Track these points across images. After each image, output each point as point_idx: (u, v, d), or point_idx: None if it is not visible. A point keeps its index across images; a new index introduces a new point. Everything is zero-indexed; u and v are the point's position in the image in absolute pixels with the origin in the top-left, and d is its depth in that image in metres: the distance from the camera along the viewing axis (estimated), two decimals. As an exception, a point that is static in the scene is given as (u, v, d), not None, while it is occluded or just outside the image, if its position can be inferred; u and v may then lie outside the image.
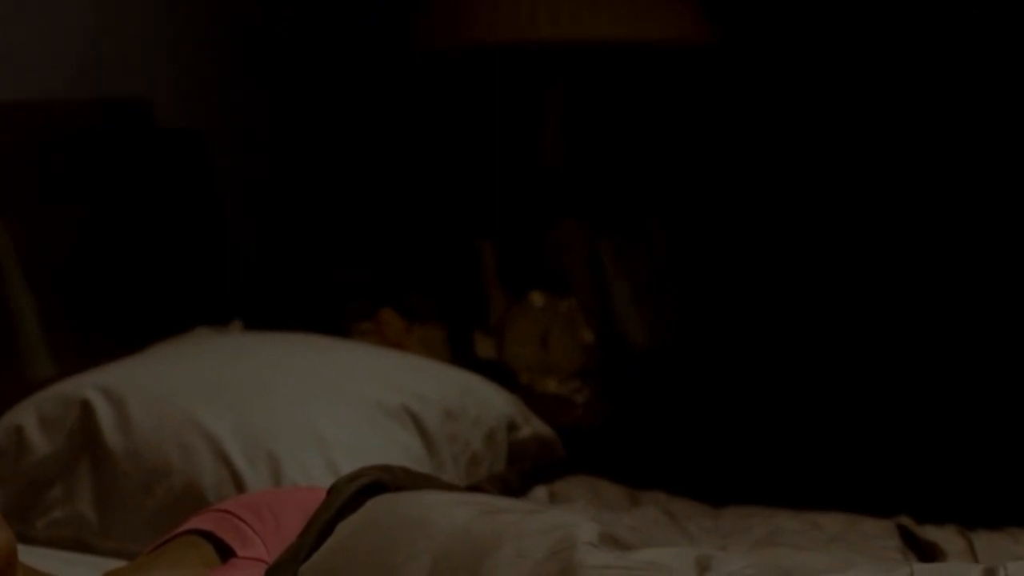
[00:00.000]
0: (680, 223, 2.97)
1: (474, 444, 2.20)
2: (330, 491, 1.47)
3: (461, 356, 2.83)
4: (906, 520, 2.06)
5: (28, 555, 1.48)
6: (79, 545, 1.92)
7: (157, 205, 2.56)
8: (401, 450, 2.04)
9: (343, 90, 3.13)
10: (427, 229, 3.05)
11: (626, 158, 3.10)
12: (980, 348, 2.56)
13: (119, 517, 1.93)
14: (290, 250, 2.98)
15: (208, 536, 1.47)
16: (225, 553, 1.45)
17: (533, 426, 2.37)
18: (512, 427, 2.31)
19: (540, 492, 2.17)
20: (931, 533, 2.00)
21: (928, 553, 1.91)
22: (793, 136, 2.97)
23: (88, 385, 2.01)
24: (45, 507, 1.95)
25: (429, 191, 3.08)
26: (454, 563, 1.29)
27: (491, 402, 2.29)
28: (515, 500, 1.66)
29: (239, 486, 1.90)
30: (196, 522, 1.50)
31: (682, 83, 3.09)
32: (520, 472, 2.19)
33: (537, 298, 2.89)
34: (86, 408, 1.98)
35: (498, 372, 2.72)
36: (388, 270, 2.90)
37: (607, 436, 2.65)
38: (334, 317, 2.79)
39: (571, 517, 1.38)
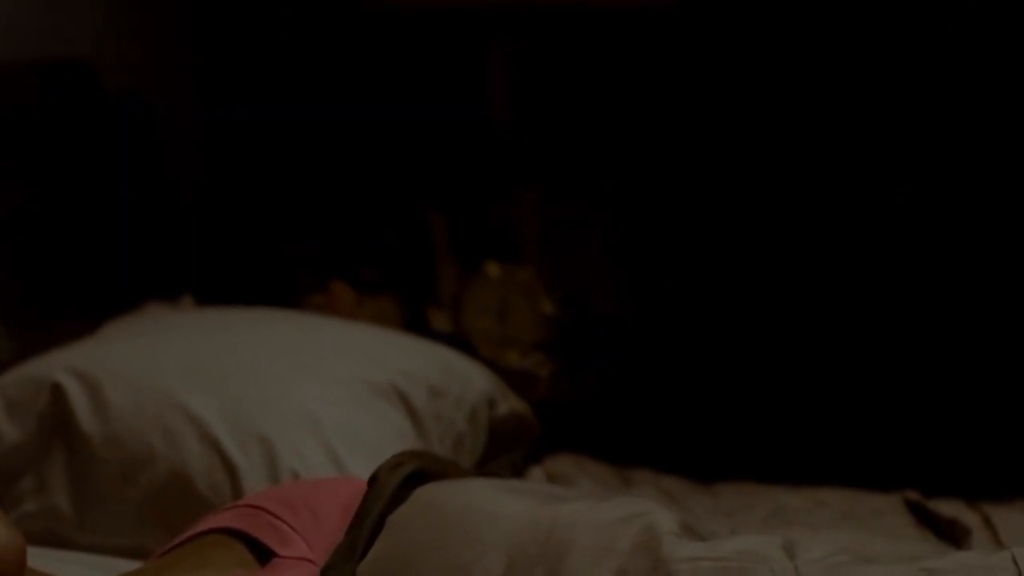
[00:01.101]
0: (637, 187, 2.88)
1: (459, 423, 2.09)
2: (372, 481, 1.36)
3: (415, 329, 2.72)
4: (912, 494, 2.00)
5: None
6: (54, 540, 1.78)
7: (102, 173, 2.41)
8: (394, 431, 1.93)
9: (289, 52, 2.98)
10: (377, 199, 2.92)
11: (578, 121, 3.00)
12: (963, 315, 2.50)
13: (98, 509, 1.79)
14: (239, 221, 2.84)
15: (237, 535, 1.34)
16: (260, 553, 1.32)
17: (511, 403, 2.27)
18: (491, 404, 2.21)
19: (536, 473, 2.07)
20: (942, 507, 1.94)
21: (947, 530, 1.85)
22: (749, 95, 2.89)
23: (57, 367, 1.87)
24: (15, 499, 1.81)
25: (379, 158, 2.96)
26: (531, 558, 1.19)
27: (471, 378, 2.18)
28: (556, 487, 1.56)
29: (231, 473, 1.77)
30: (220, 520, 1.37)
31: (635, 43, 3.00)
32: (523, 454, 2.10)
33: (493, 269, 2.79)
34: (57, 392, 1.84)
35: (455, 346, 2.61)
36: (338, 242, 2.78)
37: (577, 412, 2.55)
38: (284, 290, 2.66)
39: (642, 504, 1.29)
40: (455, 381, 2.12)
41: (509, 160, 2.90)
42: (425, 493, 1.32)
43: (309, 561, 1.28)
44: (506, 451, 2.19)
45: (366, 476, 1.81)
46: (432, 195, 2.90)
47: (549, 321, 2.77)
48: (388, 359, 2.05)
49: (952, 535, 1.82)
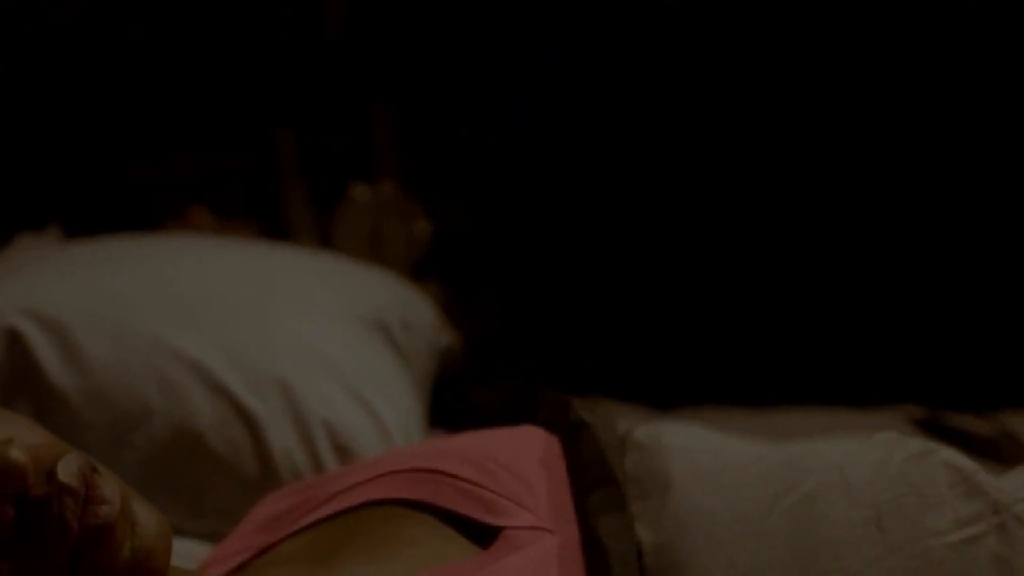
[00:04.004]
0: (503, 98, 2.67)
1: (424, 357, 1.88)
2: (583, 427, 1.14)
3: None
4: (916, 410, 1.91)
5: None
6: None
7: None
8: (394, 369, 1.70)
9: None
10: (230, 119, 2.61)
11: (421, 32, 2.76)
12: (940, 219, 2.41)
13: (84, 478, 1.47)
14: (85, 145, 2.47)
15: (410, 506, 1.08)
16: (457, 527, 1.07)
17: (448, 333, 2.07)
18: (438, 335, 2.00)
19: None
20: (956, 421, 1.87)
21: (987, 447, 1.76)
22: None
23: (10, 310, 1.54)
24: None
25: (235, 74, 2.63)
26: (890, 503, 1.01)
27: (422, 307, 1.97)
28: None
29: (249, 424, 1.50)
30: (380, 490, 1.10)
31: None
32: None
33: (361, 191, 2.55)
34: (14, 340, 1.52)
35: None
36: (194, 164, 2.47)
37: (495, 342, 2.36)
38: (140, 217, 2.34)
39: (902, 438, 1.13)
40: (415, 312, 1.91)
41: (362, 75, 2.65)
42: (665, 436, 1.12)
43: (544, 530, 1.05)
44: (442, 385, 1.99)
45: (392, 421, 1.59)
46: (283, 115, 2.62)
47: (425, 244, 2.55)
48: (358, 289, 1.82)
49: (994, 452, 1.73)
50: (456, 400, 1.96)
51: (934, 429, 1.83)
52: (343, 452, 1.51)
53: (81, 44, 2.44)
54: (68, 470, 0.89)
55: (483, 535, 1.05)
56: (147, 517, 0.92)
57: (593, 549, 1.02)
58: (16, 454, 0.86)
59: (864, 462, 1.07)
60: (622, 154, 2.45)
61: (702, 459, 1.09)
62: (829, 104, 2.36)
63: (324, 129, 2.62)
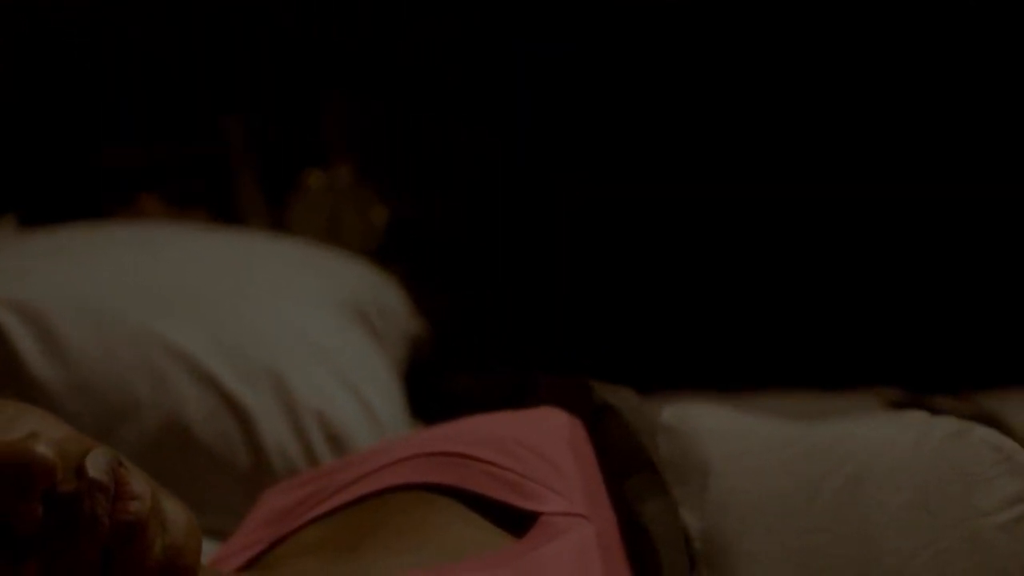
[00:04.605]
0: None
1: (399, 345, 1.85)
2: (608, 410, 1.11)
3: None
4: (890, 392, 1.91)
5: None
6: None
7: None
8: (377, 358, 1.67)
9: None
10: (182, 106, 2.55)
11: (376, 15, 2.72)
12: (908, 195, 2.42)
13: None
14: (34, 132, 2.39)
15: (432, 490, 1.05)
16: (483, 511, 1.03)
17: (413, 320, 2.03)
18: (407, 321, 1.97)
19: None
20: (936, 403, 1.86)
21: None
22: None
23: (-15, 300, 1.48)
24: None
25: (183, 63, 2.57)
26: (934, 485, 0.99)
27: (393, 294, 1.94)
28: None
29: (240, 416, 1.46)
30: (402, 474, 1.06)
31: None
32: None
33: (316, 178, 2.51)
34: (-8, 331, 1.46)
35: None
36: (145, 151, 2.41)
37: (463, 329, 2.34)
38: (90, 205, 2.29)
39: (929, 417, 1.12)
40: (388, 298, 1.88)
41: (310, 63, 2.60)
42: (692, 418, 1.10)
43: (580, 516, 1.01)
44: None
45: (383, 410, 1.56)
46: (234, 101, 2.57)
47: (382, 230, 2.52)
48: (332, 275, 1.78)
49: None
50: (431, 388, 1.93)
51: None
52: (336, 443, 1.47)
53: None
54: (98, 465, 0.86)
55: (511, 521, 1.01)
56: (177, 513, 0.89)
57: (637, 536, 1.00)
58: (43, 449, 0.83)
59: (902, 443, 1.05)
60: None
61: (734, 442, 1.07)
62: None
63: (277, 116, 2.57)
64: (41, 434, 0.85)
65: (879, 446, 1.06)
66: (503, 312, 2.46)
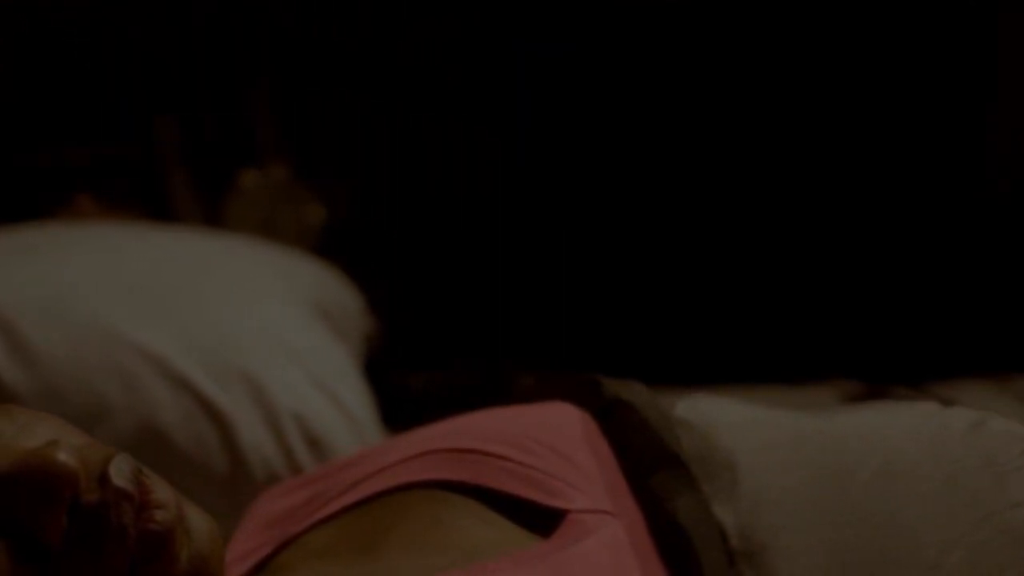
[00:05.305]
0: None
1: (356, 343, 1.82)
2: (621, 405, 1.09)
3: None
4: (851, 385, 1.91)
5: None
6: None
7: None
8: (344, 357, 1.63)
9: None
10: (114, 105, 2.48)
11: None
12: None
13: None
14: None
15: (447, 487, 1.01)
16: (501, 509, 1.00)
17: (367, 318, 2.00)
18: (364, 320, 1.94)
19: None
20: (896, 395, 1.87)
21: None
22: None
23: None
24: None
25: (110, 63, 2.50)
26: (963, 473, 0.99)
27: (346, 292, 1.91)
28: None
29: (216, 419, 1.42)
30: (414, 471, 1.02)
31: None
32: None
33: (249, 178, 2.46)
34: (-48, 335, 1.41)
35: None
36: (81, 152, 2.35)
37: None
38: (24, 207, 2.22)
39: (940, 408, 1.11)
40: (344, 296, 1.85)
41: (235, 58, 2.55)
42: (707, 411, 1.08)
43: (607, 513, 0.99)
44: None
45: (359, 411, 1.52)
46: (164, 102, 2.51)
47: (318, 228, 2.48)
48: (291, 274, 1.74)
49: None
50: (387, 386, 1.89)
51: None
52: (316, 445, 1.44)
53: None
54: (122, 473, 0.83)
55: (533, 519, 0.98)
56: (199, 521, 0.86)
57: (670, 534, 0.98)
58: (64, 457, 0.79)
59: (925, 435, 1.04)
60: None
61: (754, 435, 1.05)
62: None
63: (210, 115, 2.52)
64: (61, 441, 0.82)
65: (902, 438, 1.05)
66: (455, 310, 2.43)
